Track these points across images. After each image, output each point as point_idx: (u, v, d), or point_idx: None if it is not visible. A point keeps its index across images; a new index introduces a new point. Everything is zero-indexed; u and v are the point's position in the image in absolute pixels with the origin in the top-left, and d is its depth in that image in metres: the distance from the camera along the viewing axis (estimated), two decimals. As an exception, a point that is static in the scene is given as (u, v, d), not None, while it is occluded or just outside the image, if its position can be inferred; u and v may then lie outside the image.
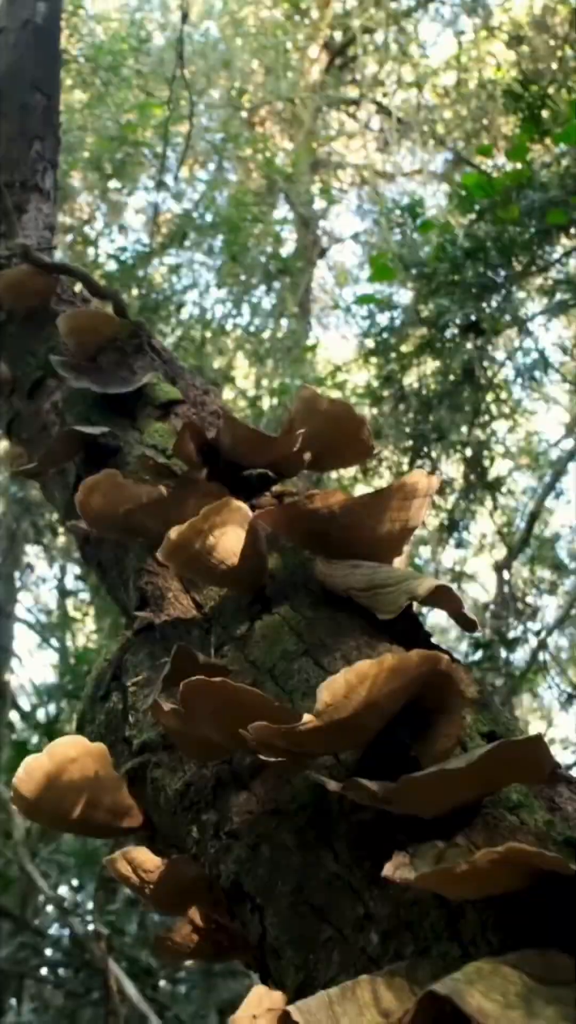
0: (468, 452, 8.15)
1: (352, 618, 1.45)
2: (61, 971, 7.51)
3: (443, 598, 1.40)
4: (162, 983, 7.61)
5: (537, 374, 7.77)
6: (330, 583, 1.48)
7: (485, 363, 7.14)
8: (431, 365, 7.53)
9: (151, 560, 1.70)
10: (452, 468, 9.22)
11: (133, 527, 1.70)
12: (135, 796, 1.48)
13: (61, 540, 11.84)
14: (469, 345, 6.61)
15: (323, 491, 1.48)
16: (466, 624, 1.43)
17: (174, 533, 1.48)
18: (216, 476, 1.74)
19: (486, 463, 7.78)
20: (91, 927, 6.80)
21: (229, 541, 1.50)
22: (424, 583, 1.38)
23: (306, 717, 1.15)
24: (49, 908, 8.45)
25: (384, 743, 1.23)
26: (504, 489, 10.99)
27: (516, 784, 1.16)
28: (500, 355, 8.94)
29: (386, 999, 0.98)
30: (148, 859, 1.30)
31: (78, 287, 2.52)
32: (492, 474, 8.92)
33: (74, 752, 1.44)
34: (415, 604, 1.46)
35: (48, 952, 7.61)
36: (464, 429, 7.87)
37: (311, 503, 1.47)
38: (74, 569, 11.02)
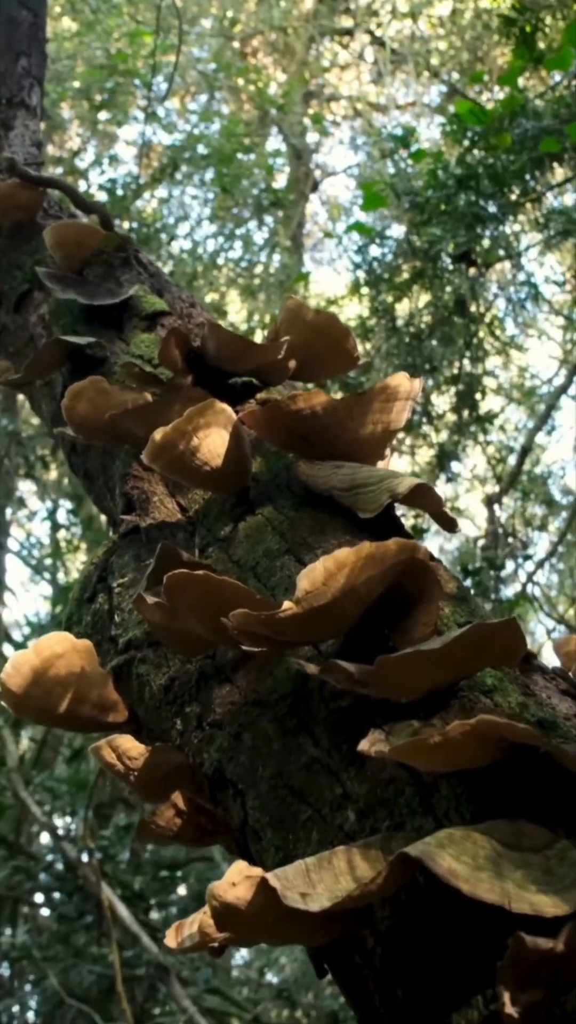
0: (460, 387, 8.14)
1: (334, 518, 1.47)
2: (55, 896, 7.63)
3: (423, 497, 1.42)
4: (154, 915, 7.75)
5: (529, 306, 7.74)
6: (312, 483, 1.50)
7: (477, 295, 7.10)
8: (423, 297, 7.50)
9: (137, 465, 1.72)
10: (444, 402, 9.22)
11: (118, 433, 1.71)
12: (120, 692, 1.51)
13: (53, 475, 11.85)
14: (461, 276, 6.57)
15: (305, 392, 1.49)
16: (446, 523, 1.45)
17: (158, 434, 1.49)
18: (201, 383, 1.75)
19: (478, 396, 7.76)
20: (84, 856, 6.92)
21: (213, 443, 1.51)
22: (405, 481, 1.40)
23: (286, 604, 1.18)
24: (44, 837, 8.58)
25: (363, 634, 1.26)
26: (496, 425, 11.00)
27: (491, 669, 1.19)
28: (493, 289, 8.91)
29: (361, 867, 1.01)
30: (133, 746, 1.33)
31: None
32: (484, 408, 8.93)
33: (60, 648, 1.47)
34: (396, 505, 1.48)
35: (42, 877, 7.74)
36: (456, 363, 7.86)
37: (294, 404, 1.48)
38: (66, 503, 11.04)
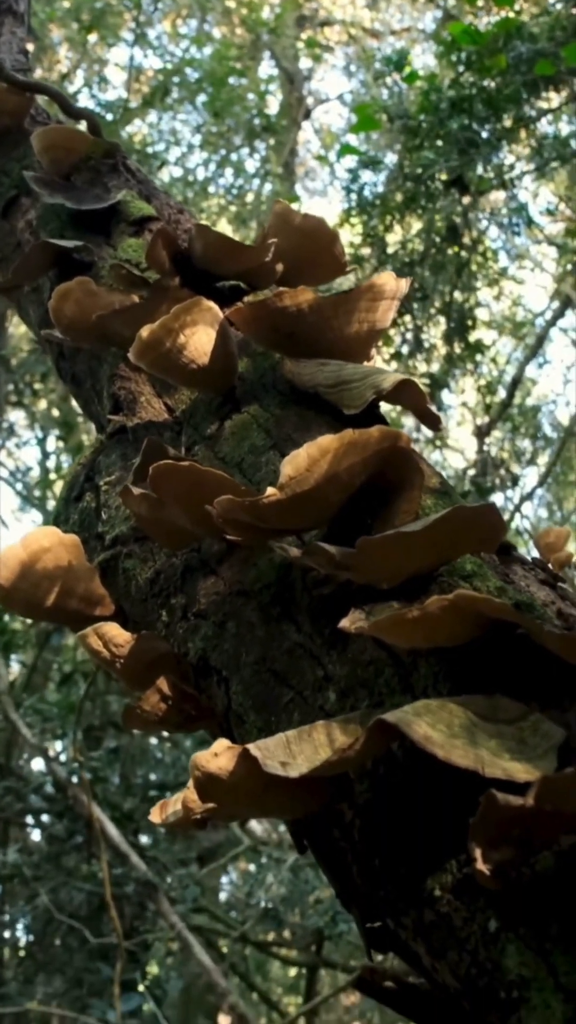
0: (452, 316, 8.11)
1: (319, 415, 1.48)
2: (45, 818, 7.74)
3: (408, 393, 1.43)
4: (144, 839, 7.86)
5: (522, 237, 7.69)
6: (298, 381, 1.51)
7: (470, 222, 7.05)
8: (415, 225, 7.44)
9: (124, 366, 1.72)
10: (435, 333, 9.19)
11: (106, 334, 1.71)
12: (107, 587, 1.53)
13: (43, 404, 11.81)
14: (453, 202, 6.52)
15: (291, 289, 1.49)
16: (430, 420, 1.47)
17: (145, 332, 1.50)
18: (188, 285, 1.75)
19: (469, 324, 7.74)
20: (74, 778, 7.01)
21: (199, 340, 1.51)
22: (390, 377, 1.41)
23: (270, 490, 1.19)
24: (35, 764, 8.68)
25: (346, 524, 1.27)
26: (488, 357, 10.98)
27: (470, 556, 1.20)
28: (485, 220, 8.84)
29: (340, 739, 1.04)
30: (119, 634, 1.35)
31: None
32: (475, 337, 8.91)
33: (47, 542, 1.48)
34: (381, 405, 1.49)
35: (33, 800, 7.84)
36: (448, 292, 7.83)
37: (280, 301, 1.49)
38: (56, 432, 11.01)
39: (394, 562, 1.14)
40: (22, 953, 8.03)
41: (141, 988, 6.14)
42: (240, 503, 1.20)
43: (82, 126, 2.29)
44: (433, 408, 1.45)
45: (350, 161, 7.43)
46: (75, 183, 2.17)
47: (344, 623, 1.09)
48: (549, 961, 0.90)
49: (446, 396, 12.44)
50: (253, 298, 1.78)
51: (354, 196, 7.07)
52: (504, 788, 0.90)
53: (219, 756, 1.02)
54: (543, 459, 13.38)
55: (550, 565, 1.31)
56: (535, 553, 1.45)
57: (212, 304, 1.52)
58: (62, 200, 2.04)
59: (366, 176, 7.24)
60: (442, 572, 1.19)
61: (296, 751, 1.01)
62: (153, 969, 7.32)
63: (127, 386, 1.71)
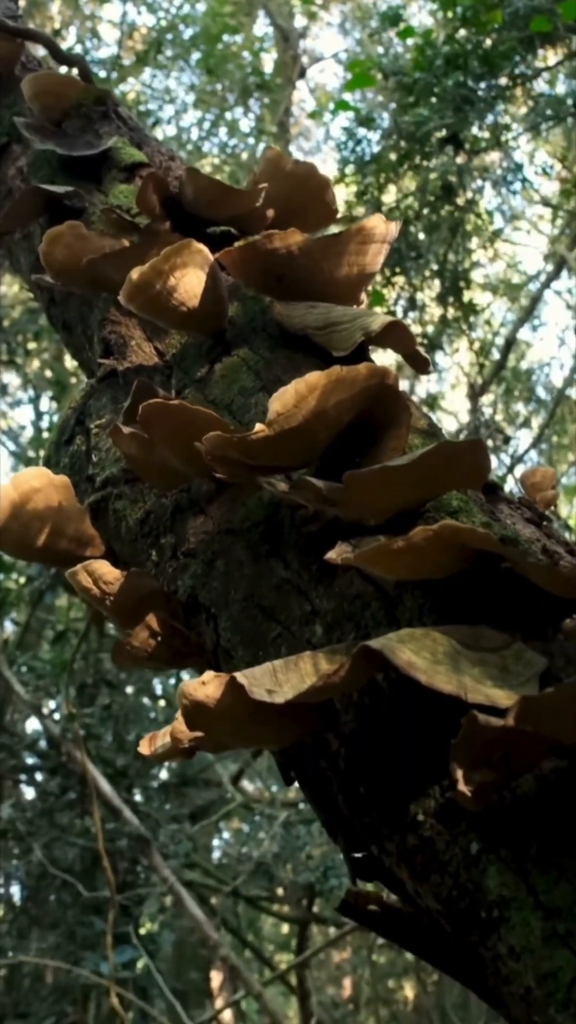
0: (446, 275, 8.09)
1: (308, 357, 1.49)
2: (38, 776, 7.79)
3: (397, 335, 1.43)
4: (136, 798, 7.91)
5: (517, 198, 7.66)
6: (288, 323, 1.51)
7: (464, 181, 7.02)
8: (409, 183, 7.41)
9: (114, 310, 1.73)
10: (430, 294, 9.16)
11: (96, 279, 1.71)
12: (97, 528, 1.54)
13: (36, 364, 11.78)
14: (448, 160, 6.49)
15: (282, 232, 1.50)
16: (419, 363, 1.47)
17: (135, 274, 1.50)
18: (179, 230, 1.75)
19: (461, 284, 7.72)
20: (68, 734, 7.05)
21: (190, 283, 1.52)
22: (378, 319, 1.42)
23: (258, 427, 1.20)
24: (28, 726, 8.73)
25: (334, 463, 1.28)
26: (482, 319, 10.95)
27: (456, 493, 1.21)
28: (480, 180, 8.80)
29: (325, 667, 1.05)
30: (108, 571, 1.36)
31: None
32: (468, 297, 8.88)
33: (38, 483, 1.49)
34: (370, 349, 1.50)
35: (27, 759, 7.89)
36: (442, 252, 7.80)
37: (270, 243, 1.49)
38: (49, 391, 10.99)
39: (381, 497, 1.15)
40: (16, 909, 8.11)
41: (134, 942, 6.19)
42: (229, 439, 1.21)
43: (73, 73, 2.27)
44: (422, 351, 1.46)
45: (345, 120, 7.38)
46: (66, 130, 2.16)
47: (331, 555, 1.10)
48: (529, 881, 0.92)
49: (440, 359, 12.44)
50: (244, 242, 1.78)
51: (348, 154, 7.03)
52: (486, 713, 0.92)
53: (207, 684, 1.03)
54: (536, 422, 13.38)
55: (536, 504, 1.32)
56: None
57: (202, 246, 1.52)
58: (53, 146, 2.03)
59: (361, 134, 7.19)
60: (428, 508, 1.20)
61: (282, 679, 1.03)
62: (147, 924, 7.38)
63: (117, 330, 1.72)
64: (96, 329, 1.79)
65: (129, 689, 8.02)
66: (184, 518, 1.42)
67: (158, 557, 1.44)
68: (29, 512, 1.48)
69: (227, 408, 1.48)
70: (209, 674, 1.04)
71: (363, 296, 1.61)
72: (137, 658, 1.34)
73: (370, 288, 1.65)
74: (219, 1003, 9.04)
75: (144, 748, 1.19)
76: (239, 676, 1.01)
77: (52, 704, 8.03)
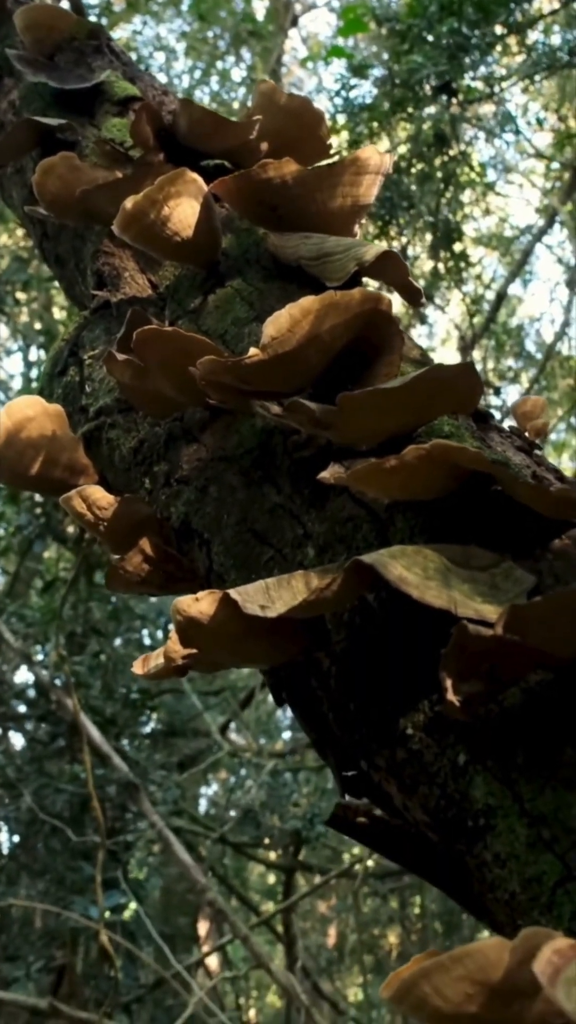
0: (438, 226, 8.05)
1: (302, 288, 1.48)
2: (27, 724, 7.84)
3: (390, 265, 1.44)
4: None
5: (510, 151, 7.62)
6: (281, 254, 1.52)
7: (457, 131, 6.97)
8: (402, 132, 7.36)
9: (108, 242, 1.72)
10: (422, 248, 9.13)
11: (89, 210, 1.71)
12: (91, 458, 1.55)
13: (25, 316, 11.70)
14: (441, 109, 6.44)
15: (276, 161, 1.49)
16: (411, 294, 1.48)
17: (129, 203, 1.50)
18: (173, 163, 1.74)
19: (454, 236, 7.69)
20: (57, 682, 7.09)
21: (183, 212, 1.52)
22: (372, 249, 1.42)
23: (252, 351, 1.21)
24: (18, 676, 8.76)
25: (328, 390, 1.29)
26: (473, 274, 10.92)
27: (448, 418, 1.23)
28: (474, 130, 8.74)
29: (317, 584, 1.06)
30: (102, 496, 1.37)
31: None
32: (460, 248, 8.85)
33: (31, 412, 1.50)
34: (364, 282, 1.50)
35: (16, 707, 7.93)
36: (434, 203, 7.76)
37: (264, 172, 1.49)
38: (39, 339, 10.92)
39: (373, 420, 1.16)
40: (6, 856, 8.18)
41: (123, 887, 6.27)
42: (223, 364, 1.21)
43: (65, 5, 2.25)
44: (414, 281, 1.46)
45: (338, 67, 7.32)
46: (58, 63, 2.14)
47: (324, 474, 1.11)
48: (515, 790, 0.94)
49: (431, 313, 12.40)
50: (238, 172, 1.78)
51: (341, 101, 6.97)
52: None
53: (200, 601, 1.04)
54: (526, 377, 13.36)
55: (527, 433, 1.33)
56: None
57: (196, 176, 1.52)
58: (45, 79, 2.02)
59: (354, 82, 7.13)
60: (420, 433, 1.21)
61: (275, 596, 1.04)
62: (135, 871, 7.46)
63: (111, 262, 1.71)
64: (89, 262, 1.79)
65: (118, 642, 8.06)
66: (177, 446, 1.43)
67: (151, 485, 1.45)
68: (23, 440, 1.49)
69: (220, 338, 1.48)
70: (203, 591, 1.05)
71: (356, 229, 1.61)
72: (130, 582, 1.36)
73: (363, 221, 1.65)
74: (206, 949, 9.15)
75: (138, 668, 1.20)
76: (232, 592, 1.03)
77: (41, 655, 8.08)
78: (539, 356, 13.27)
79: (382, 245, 1.42)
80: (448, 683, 0.92)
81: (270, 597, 1.04)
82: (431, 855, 1.04)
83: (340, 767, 1.18)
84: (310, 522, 1.22)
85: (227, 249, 1.60)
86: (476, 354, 11.93)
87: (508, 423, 1.44)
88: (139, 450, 1.48)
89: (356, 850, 9.48)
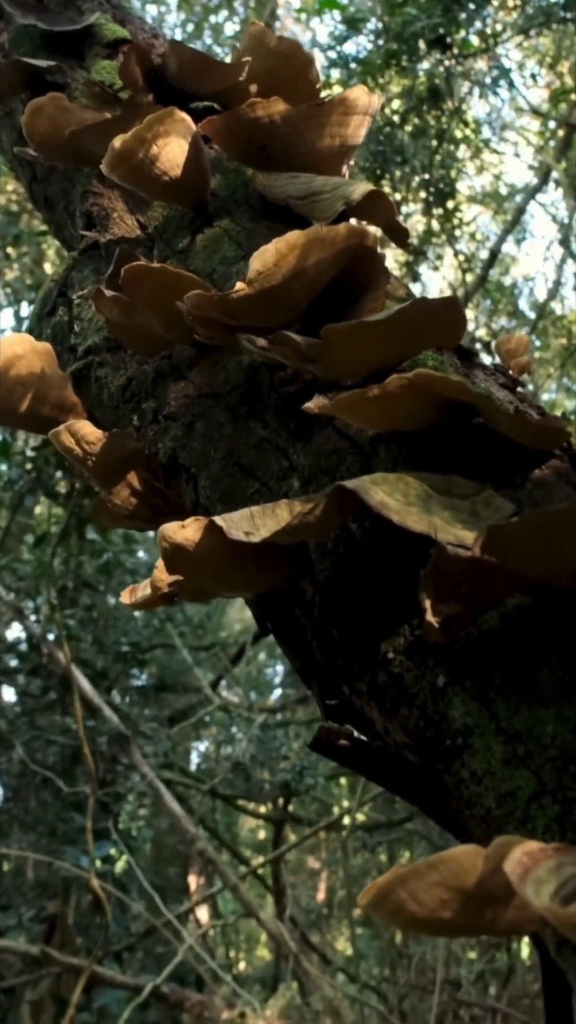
0: (431, 180, 8.01)
1: (289, 228, 1.48)
2: (19, 679, 7.89)
3: (377, 205, 1.45)
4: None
5: (504, 100, 7.57)
6: (269, 194, 1.53)
7: (452, 85, 6.93)
8: (396, 87, 7.31)
9: (97, 183, 1.73)
10: (416, 207, 9.08)
11: (78, 152, 1.71)
12: (79, 396, 1.57)
13: (16, 271, 11.64)
14: (436, 62, 6.40)
15: (265, 100, 1.50)
16: (398, 234, 1.49)
17: (117, 142, 1.50)
18: (161, 103, 1.74)
19: (446, 190, 7.65)
20: (49, 635, 7.13)
21: (172, 152, 1.52)
22: (359, 188, 1.43)
23: (239, 285, 1.22)
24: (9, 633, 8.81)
25: (314, 326, 1.30)
26: (467, 232, 10.87)
27: (432, 353, 1.24)
28: (468, 86, 8.68)
29: (301, 509, 1.08)
30: (91, 431, 1.39)
31: None
32: (456, 215, 8.82)
33: (20, 349, 1.51)
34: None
35: (8, 661, 7.97)
36: (428, 160, 7.72)
37: (252, 111, 1.50)
38: (29, 295, 10.87)
39: (357, 353, 1.18)
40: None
41: (114, 837, 6.33)
42: (210, 298, 1.23)
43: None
44: (401, 221, 1.47)
45: (332, 21, 7.25)
46: (48, 5, 2.13)
47: (309, 404, 1.13)
48: (492, 709, 0.97)
49: (424, 271, 12.37)
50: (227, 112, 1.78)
51: (334, 55, 6.92)
52: (455, 553, 0.95)
53: (186, 527, 1.06)
54: (522, 331, 13.33)
55: (510, 371, 1.35)
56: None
57: (185, 115, 1.52)
58: (35, 21, 2.01)
59: (347, 35, 7.07)
60: (404, 368, 1.22)
61: (259, 523, 1.06)
62: (126, 822, 7.54)
63: (100, 202, 1.72)
64: (78, 203, 1.79)
65: (111, 600, 8.10)
66: (165, 383, 1.44)
67: (139, 422, 1.46)
68: (12, 378, 1.50)
69: (208, 277, 1.49)
70: (189, 518, 1.07)
71: (345, 169, 1.62)
72: (118, 516, 1.38)
73: (352, 162, 1.65)
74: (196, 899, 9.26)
75: (125, 598, 1.22)
76: (218, 519, 1.05)
77: (33, 610, 8.11)
78: (532, 315, 13.25)
79: (369, 184, 1.43)
80: (427, 604, 0.94)
81: (255, 524, 1.06)
82: (411, 775, 1.07)
83: (323, 694, 1.21)
84: (295, 455, 1.24)
85: (215, 189, 1.61)
86: (469, 313, 11.90)
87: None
88: (127, 388, 1.50)
89: (345, 803, 9.58)
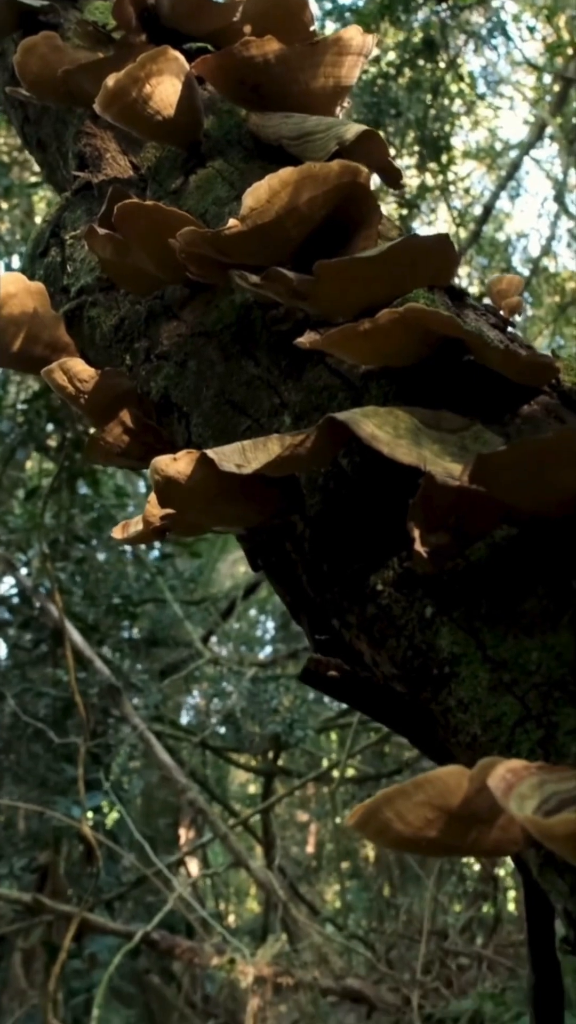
0: (426, 141, 7.96)
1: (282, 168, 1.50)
2: (10, 631, 7.92)
3: (371, 146, 1.44)
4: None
5: (499, 54, 7.51)
6: (262, 133, 1.52)
7: (447, 36, 6.87)
8: (391, 38, 7.25)
9: (90, 123, 1.72)
10: (410, 162, 9.03)
11: (71, 92, 1.71)
12: (72, 337, 1.57)
13: (7, 224, 11.55)
14: (430, 12, 6.33)
15: (258, 39, 1.49)
16: (391, 175, 1.49)
17: (111, 80, 1.50)
18: (155, 45, 1.73)
19: (441, 144, 7.60)
20: (41, 588, 7.15)
21: (165, 91, 1.52)
22: (352, 128, 1.43)
23: (231, 222, 1.22)
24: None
25: (306, 265, 1.31)
26: (460, 187, 10.82)
27: (424, 292, 1.25)
28: (463, 38, 8.60)
29: (291, 441, 1.09)
30: (83, 369, 1.39)
31: None
32: (450, 171, 8.77)
33: (13, 288, 1.51)
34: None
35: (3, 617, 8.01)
36: (422, 113, 7.67)
37: (246, 50, 1.49)
38: (20, 248, 10.81)
39: (349, 290, 1.18)
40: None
41: (105, 787, 6.38)
42: (202, 234, 1.23)
43: None
44: (394, 161, 1.47)
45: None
46: (40, -56, 2.11)
47: (300, 340, 1.14)
48: (478, 638, 0.98)
49: (418, 228, 12.30)
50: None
51: (330, 5, 6.85)
52: (444, 486, 0.96)
53: (178, 460, 1.07)
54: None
55: (501, 312, 1.36)
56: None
57: (178, 54, 1.52)
58: (26, -39, 1.99)
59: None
60: (396, 305, 1.23)
61: (251, 456, 1.07)
62: (117, 773, 7.59)
63: (93, 143, 1.72)
64: (71, 144, 1.79)
65: (102, 556, 8.11)
66: (158, 323, 1.45)
67: (132, 361, 1.47)
68: (4, 317, 1.50)
69: (201, 218, 1.49)
70: (182, 451, 1.08)
71: (338, 111, 1.62)
72: (110, 454, 1.39)
73: (345, 104, 1.65)
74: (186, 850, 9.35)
75: (117, 533, 1.24)
76: (209, 452, 1.06)
77: (25, 565, 8.13)
78: (526, 272, 13.21)
79: (363, 125, 1.43)
80: (416, 533, 0.95)
81: (246, 456, 1.07)
82: (398, 706, 1.09)
83: (313, 629, 1.22)
84: (287, 392, 1.25)
85: (209, 130, 1.61)
86: (462, 269, 11.87)
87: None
88: (120, 327, 1.50)
89: (334, 755, 9.66)
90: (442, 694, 1.01)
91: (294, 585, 1.23)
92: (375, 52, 7.73)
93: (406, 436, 1.01)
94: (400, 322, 1.05)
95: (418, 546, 0.96)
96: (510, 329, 1.31)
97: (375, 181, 1.52)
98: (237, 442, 1.09)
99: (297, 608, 1.25)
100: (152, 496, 1.16)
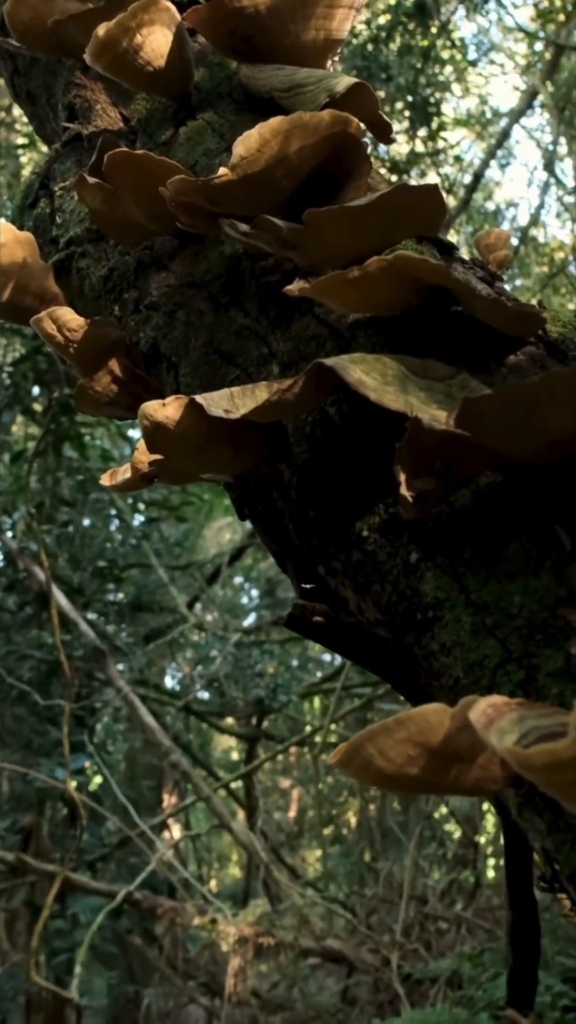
0: (416, 107, 7.92)
1: (273, 120, 1.50)
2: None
3: (361, 98, 1.44)
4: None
5: (492, 20, 7.46)
6: (253, 85, 1.52)
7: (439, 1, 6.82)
8: (382, 2, 7.20)
9: (80, 74, 1.72)
10: (399, 126, 8.98)
11: (62, 42, 1.70)
12: (61, 287, 1.57)
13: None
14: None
15: (250, -10, 1.49)
16: (381, 129, 1.49)
17: (101, 30, 1.49)
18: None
19: (432, 111, 7.57)
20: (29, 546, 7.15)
21: (156, 41, 1.51)
22: (343, 80, 1.43)
23: (221, 170, 1.22)
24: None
25: (296, 216, 1.31)
26: (450, 155, 10.77)
27: (413, 243, 1.25)
28: (454, 5, 8.55)
29: (279, 387, 1.10)
30: (72, 318, 1.39)
31: None
32: (440, 140, 8.73)
33: (2, 238, 1.51)
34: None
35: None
36: (413, 78, 7.62)
37: (237, 1, 1.48)
38: (7, 210, 10.73)
39: (338, 240, 1.19)
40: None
41: (89, 750, 6.42)
42: (192, 183, 1.23)
43: None
44: (384, 117, 1.47)
45: None
46: None
47: (289, 288, 1.14)
48: (462, 583, 1.00)
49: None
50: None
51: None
52: (430, 432, 0.97)
53: (167, 406, 1.08)
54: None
55: (490, 266, 1.36)
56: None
57: (169, 4, 1.51)
58: None
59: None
60: (385, 255, 1.24)
61: (239, 402, 1.08)
62: (101, 736, 7.63)
63: (83, 94, 1.71)
64: (61, 96, 1.78)
65: (87, 522, 8.12)
66: (147, 274, 1.45)
67: (121, 312, 1.47)
68: (-6, 267, 1.50)
69: (191, 169, 1.49)
70: (170, 397, 1.09)
71: (329, 65, 1.62)
72: (99, 403, 1.39)
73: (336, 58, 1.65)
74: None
75: (106, 480, 1.24)
76: (198, 397, 1.07)
77: (10, 527, 8.13)
78: (515, 241, 13.18)
79: (353, 78, 1.43)
80: (402, 477, 0.97)
81: (234, 402, 1.08)
82: (382, 651, 1.10)
83: (299, 577, 1.24)
84: (275, 341, 1.26)
85: (199, 82, 1.60)
86: (451, 237, 11.84)
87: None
88: (109, 278, 1.50)
89: (317, 722, 9.71)
90: (425, 638, 1.02)
91: (280, 533, 1.24)
92: (365, 13, 7.68)
93: (393, 383, 1.02)
94: (389, 270, 1.06)
95: (404, 490, 0.97)
96: (498, 284, 1.32)
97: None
98: (226, 389, 1.10)
99: (283, 556, 1.26)
100: (140, 442, 1.17)
